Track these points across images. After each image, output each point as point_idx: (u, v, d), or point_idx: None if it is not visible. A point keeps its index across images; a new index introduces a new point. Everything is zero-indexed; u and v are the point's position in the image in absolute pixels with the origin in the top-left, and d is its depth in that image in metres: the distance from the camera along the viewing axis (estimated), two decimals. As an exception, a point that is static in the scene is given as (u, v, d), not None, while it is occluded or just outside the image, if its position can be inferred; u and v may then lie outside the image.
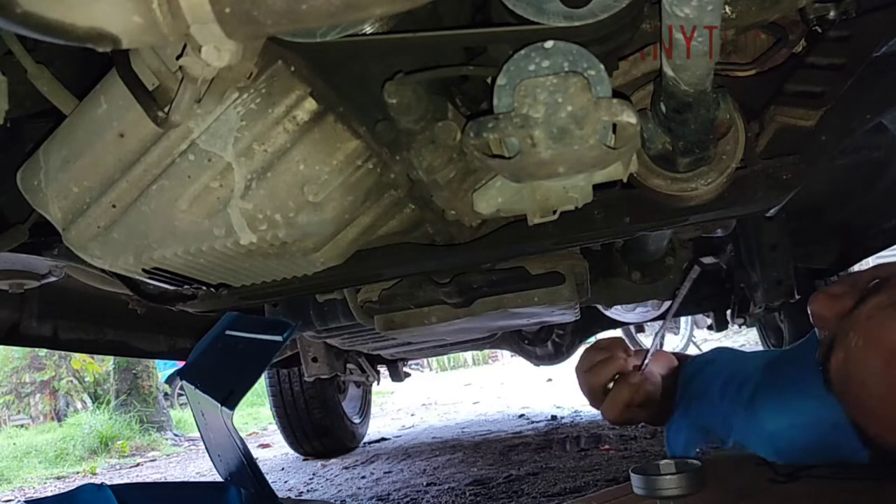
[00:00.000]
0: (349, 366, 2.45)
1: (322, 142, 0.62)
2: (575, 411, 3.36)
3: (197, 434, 2.63)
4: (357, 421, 3.21)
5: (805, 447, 0.82)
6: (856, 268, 2.19)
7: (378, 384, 3.18)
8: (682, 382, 1.00)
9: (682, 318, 4.76)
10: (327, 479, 2.47)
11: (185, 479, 3.17)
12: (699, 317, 4.05)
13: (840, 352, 0.65)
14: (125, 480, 3.32)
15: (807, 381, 0.74)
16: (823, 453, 0.81)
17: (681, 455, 0.93)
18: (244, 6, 0.42)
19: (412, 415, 4.74)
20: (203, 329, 1.06)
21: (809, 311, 0.72)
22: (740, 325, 3.15)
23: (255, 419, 5.37)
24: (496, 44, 0.59)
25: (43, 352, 6.50)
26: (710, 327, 3.01)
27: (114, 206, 0.65)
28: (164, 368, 5.84)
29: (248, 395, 0.98)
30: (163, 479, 3.31)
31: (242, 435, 1.09)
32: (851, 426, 0.68)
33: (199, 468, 3.44)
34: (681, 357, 1.08)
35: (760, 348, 2.82)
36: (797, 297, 1.48)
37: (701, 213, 0.70)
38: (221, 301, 0.86)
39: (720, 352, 1.02)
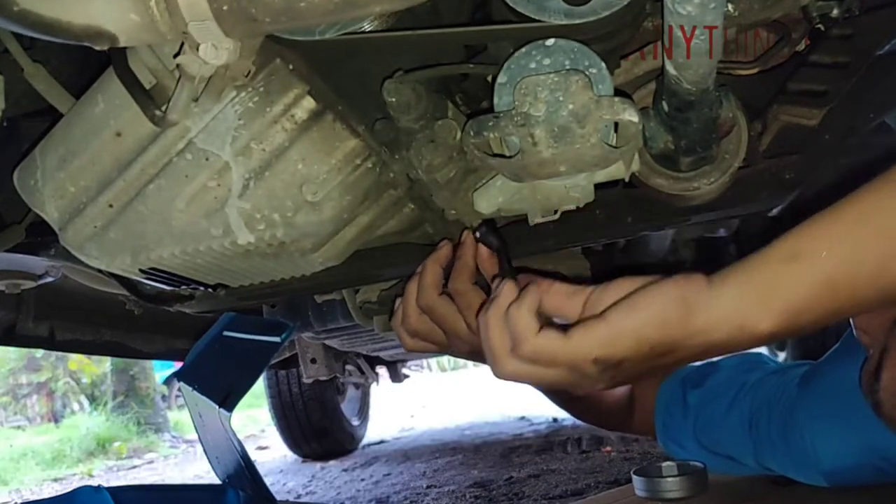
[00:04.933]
0: (348, 367, 2.44)
1: (321, 141, 0.61)
2: (574, 413, 3.35)
3: (195, 436, 2.63)
4: (356, 423, 3.21)
5: (860, 475, 0.76)
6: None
7: (377, 385, 3.19)
8: (667, 395, 0.92)
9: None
10: (326, 482, 2.46)
11: (183, 482, 3.16)
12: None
13: (893, 369, 0.58)
14: (122, 482, 3.31)
15: (859, 404, 0.64)
16: (878, 478, 0.75)
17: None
18: (242, 4, 0.42)
19: (412, 416, 4.74)
20: (201, 330, 1.05)
21: (852, 323, 0.64)
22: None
23: (254, 421, 5.36)
24: (497, 41, 0.58)
25: (39, 353, 6.48)
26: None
27: (111, 206, 0.64)
28: (161, 370, 5.83)
29: (247, 396, 0.97)
30: (160, 482, 3.31)
31: (240, 437, 1.08)
32: None
33: (197, 470, 3.43)
34: None
35: (763, 348, 2.81)
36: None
37: (703, 213, 0.69)
38: (219, 301, 0.85)
39: (721, 364, 0.93)
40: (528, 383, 0.58)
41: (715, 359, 0.96)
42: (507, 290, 0.57)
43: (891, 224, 0.48)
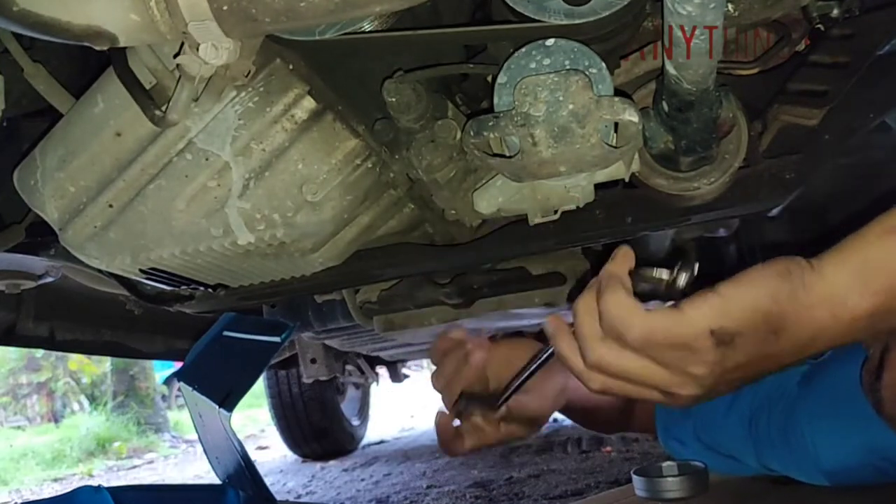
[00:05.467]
0: (348, 367, 2.44)
1: (321, 141, 0.61)
2: (574, 413, 3.35)
3: (195, 436, 2.64)
4: (356, 423, 3.21)
5: (861, 475, 0.75)
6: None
7: (377, 385, 3.18)
8: None
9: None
10: (326, 482, 2.46)
11: (183, 482, 3.16)
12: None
13: (894, 369, 0.58)
14: (122, 482, 3.31)
15: (860, 403, 0.63)
16: (879, 477, 0.75)
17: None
18: (242, 4, 0.42)
19: (412, 416, 4.73)
20: (201, 330, 1.05)
21: None
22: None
23: (254, 421, 5.36)
24: (497, 41, 0.58)
25: (40, 353, 6.48)
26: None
27: (111, 206, 0.64)
28: (161, 370, 5.83)
29: (247, 396, 0.97)
30: (160, 482, 3.31)
31: (240, 437, 1.08)
32: None
33: (197, 470, 3.43)
34: None
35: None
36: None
37: (703, 213, 0.69)
38: (219, 302, 0.85)
39: None
40: (623, 378, 0.53)
41: None
42: (595, 283, 0.54)
43: None
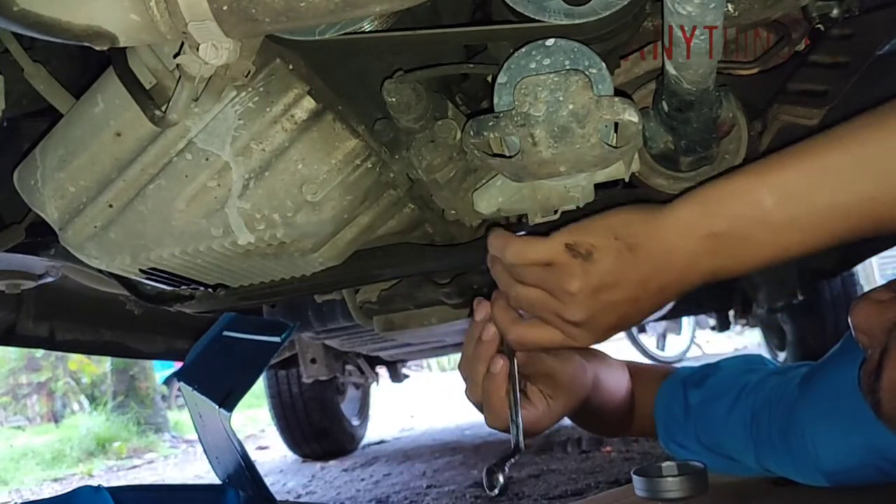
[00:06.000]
0: (348, 367, 2.44)
1: (321, 141, 0.61)
2: (574, 413, 3.35)
3: (195, 436, 2.64)
4: (356, 423, 3.20)
5: (861, 476, 0.75)
6: (859, 268, 2.17)
7: (377, 385, 3.18)
8: (668, 396, 0.91)
9: (685, 319, 4.74)
10: (326, 482, 2.46)
11: (183, 482, 3.16)
12: (702, 317, 4.05)
13: (893, 369, 0.57)
14: (122, 482, 3.31)
15: (860, 404, 0.63)
16: (879, 478, 0.74)
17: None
18: (242, 4, 0.42)
19: (412, 416, 4.74)
20: (201, 330, 1.05)
21: (851, 323, 0.62)
22: (743, 326, 3.13)
23: (254, 421, 5.36)
24: (497, 41, 0.58)
25: (39, 353, 6.48)
26: (713, 328, 3.01)
27: (111, 206, 0.64)
28: (161, 370, 5.83)
29: (247, 396, 0.97)
30: (160, 482, 3.31)
31: (240, 437, 1.08)
32: None
33: (197, 470, 3.43)
34: (637, 368, 0.95)
35: (763, 349, 2.81)
36: (800, 297, 1.47)
37: (703, 213, 0.69)
38: (219, 302, 0.85)
39: (721, 365, 0.92)
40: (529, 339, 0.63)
41: (715, 360, 0.96)
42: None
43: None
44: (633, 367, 0.96)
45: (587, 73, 0.53)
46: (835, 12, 0.61)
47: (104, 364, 5.94)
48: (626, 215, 0.57)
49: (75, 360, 6.45)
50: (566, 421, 0.96)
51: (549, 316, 0.60)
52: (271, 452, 3.61)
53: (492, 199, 0.66)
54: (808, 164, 0.53)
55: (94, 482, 1.79)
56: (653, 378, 0.95)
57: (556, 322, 0.60)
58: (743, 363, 0.93)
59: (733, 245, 0.54)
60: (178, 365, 1.46)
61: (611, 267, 0.56)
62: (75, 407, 7.07)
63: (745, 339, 6.22)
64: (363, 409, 3.33)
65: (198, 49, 0.45)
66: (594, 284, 0.56)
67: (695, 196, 0.55)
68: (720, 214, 0.54)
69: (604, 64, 0.54)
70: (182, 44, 0.46)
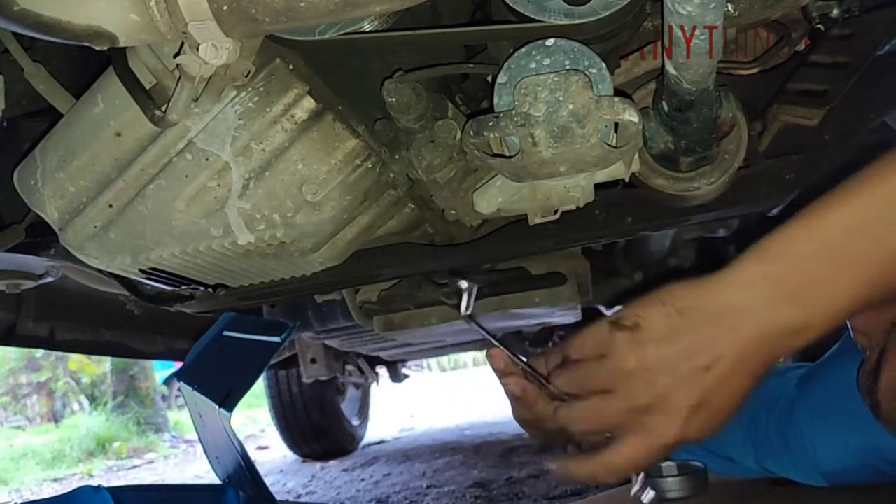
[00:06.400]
0: (348, 367, 2.45)
1: (321, 141, 0.61)
2: (574, 413, 3.34)
3: (195, 436, 2.63)
4: (356, 423, 3.20)
5: (860, 476, 0.75)
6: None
7: (377, 385, 3.18)
8: None
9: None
10: (326, 482, 2.46)
11: (183, 482, 3.16)
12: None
13: (892, 370, 0.57)
14: (122, 482, 3.31)
15: (858, 405, 0.63)
16: (877, 478, 0.75)
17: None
18: (242, 4, 0.42)
19: (412, 416, 4.74)
20: (201, 330, 1.05)
21: (849, 324, 0.62)
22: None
23: (254, 421, 5.36)
24: (497, 42, 0.58)
25: (39, 353, 6.48)
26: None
27: (111, 206, 0.64)
28: (161, 370, 5.83)
29: (247, 396, 0.97)
30: (160, 482, 3.31)
31: (240, 437, 1.08)
32: None
33: (197, 470, 3.43)
34: None
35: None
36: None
37: (703, 213, 0.69)
38: (219, 302, 0.85)
39: None
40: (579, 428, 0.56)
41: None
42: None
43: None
44: None
45: (587, 73, 0.53)
46: (835, 12, 0.61)
47: (104, 364, 5.94)
48: (674, 286, 0.52)
49: (75, 360, 6.45)
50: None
51: (629, 426, 0.51)
52: (271, 452, 3.61)
53: (492, 199, 0.66)
54: (873, 192, 0.48)
55: (94, 482, 1.78)
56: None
57: (631, 424, 0.51)
58: None
59: (806, 291, 0.47)
60: (178, 365, 1.46)
61: (661, 330, 0.50)
62: (75, 407, 7.06)
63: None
64: (363, 409, 3.33)
65: (198, 49, 0.45)
66: (649, 355, 0.50)
67: (751, 250, 0.50)
68: (779, 258, 0.48)
69: (604, 64, 0.54)
70: (182, 44, 0.46)
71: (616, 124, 0.55)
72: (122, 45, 0.44)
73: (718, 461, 0.87)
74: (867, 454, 0.73)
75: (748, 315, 0.48)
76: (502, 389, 0.62)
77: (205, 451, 1.10)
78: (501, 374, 0.61)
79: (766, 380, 0.87)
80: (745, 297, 0.48)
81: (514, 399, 0.60)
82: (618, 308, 0.54)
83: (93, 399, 6.44)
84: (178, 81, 0.52)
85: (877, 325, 0.59)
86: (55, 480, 3.86)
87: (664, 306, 0.50)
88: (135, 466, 4.13)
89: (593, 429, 0.55)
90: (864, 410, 0.61)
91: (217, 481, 1.06)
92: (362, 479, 2.40)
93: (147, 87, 0.56)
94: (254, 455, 3.24)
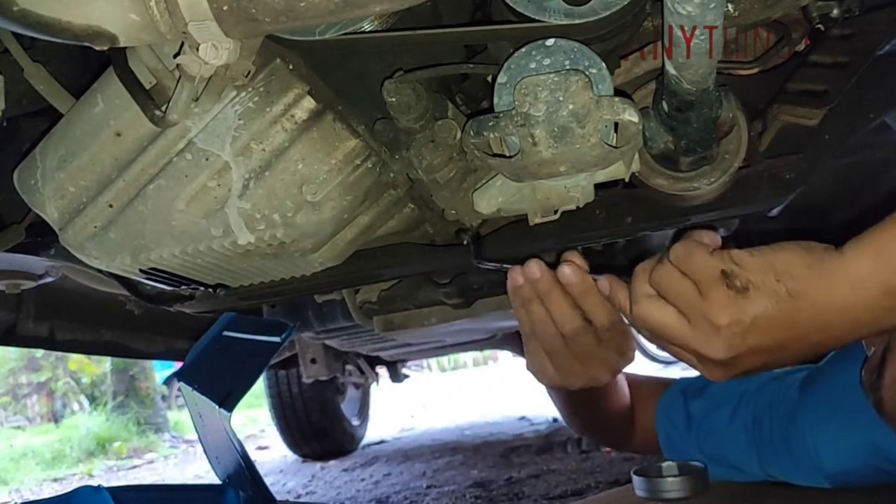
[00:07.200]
0: (348, 367, 2.45)
1: (321, 141, 0.61)
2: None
3: (195, 436, 2.63)
4: (356, 423, 3.21)
5: (863, 476, 0.75)
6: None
7: (377, 385, 3.18)
8: (669, 408, 0.92)
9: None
10: (326, 482, 2.47)
11: (183, 482, 3.16)
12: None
13: (895, 368, 0.57)
14: (122, 482, 3.31)
15: (861, 405, 0.64)
16: (881, 479, 0.75)
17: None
18: (242, 4, 0.42)
19: (412, 416, 4.74)
20: (201, 330, 1.05)
21: None
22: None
23: (254, 421, 5.36)
24: (497, 41, 0.58)
25: (39, 353, 6.48)
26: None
27: (111, 206, 0.64)
28: (161, 370, 5.83)
29: (247, 396, 0.97)
30: (160, 482, 3.31)
31: (240, 437, 1.08)
32: None
33: (197, 470, 3.43)
34: (636, 381, 0.95)
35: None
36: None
37: (703, 213, 0.69)
38: (219, 302, 0.85)
39: None
40: (660, 333, 0.57)
41: None
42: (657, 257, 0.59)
43: None
44: (631, 379, 0.96)
45: (587, 73, 0.53)
46: (835, 12, 0.61)
47: (104, 364, 5.94)
48: (792, 255, 0.51)
49: (75, 360, 6.45)
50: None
51: (687, 347, 0.55)
52: (271, 452, 3.61)
53: (492, 199, 0.66)
54: None
55: (94, 482, 1.78)
56: (652, 391, 0.95)
57: (689, 358, 0.55)
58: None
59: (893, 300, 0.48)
60: (178, 365, 1.46)
61: (767, 311, 0.51)
62: (75, 407, 7.07)
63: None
64: (363, 409, 3.34)
65: (198, 49, 0.45)
66: (745, 324, 0.51)
67: (869, 244, 0.50)
68: (884, 266, 0.48)
69: (604, 64, 0.54)
70: (182, 44, 0.46)
71: (616, 124, 0.55)
72: (122, 45, 0.44)
73: (724, 469, 0.87)
74: (870, 454, 0.73)
75: (851, 316, 0.50)
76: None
77: (205, 451, 1.10)
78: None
79: (769, 383, 0.87)
80: (854, 298, 0.49)
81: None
82: (733, 250, 0.53)
83: (93, 399, 6.44)
84: (178, 81, 0.52)
85: None
86: (55, 480, 3.87)
87: (778, 282, 0.50)
88: (135, 466, 4.13)
89: (656, 334, 0.57)
90: (867, 410, 0.62)
91: (217, 481, 1.06)
92: (362, 479, 2.40)
93: (147, 87, 0.56)
94: (254, 455, 3.23)
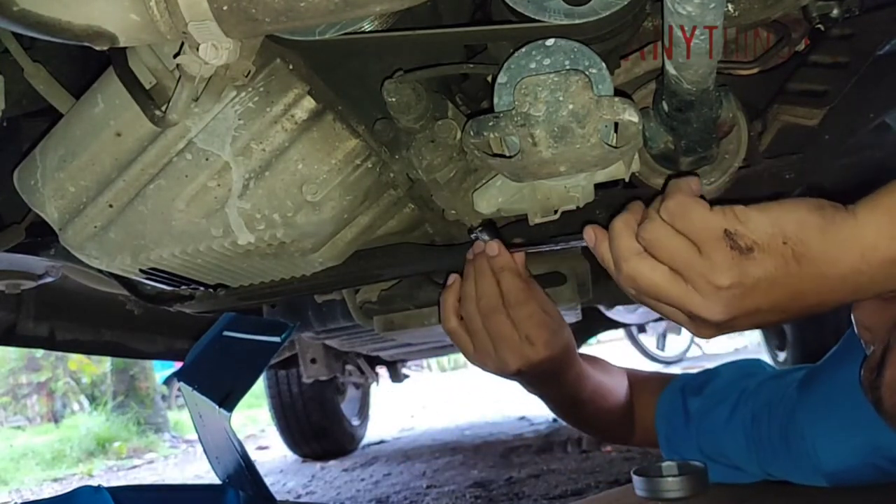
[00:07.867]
0: (348, 367, 2.44)
1: (321, 141, 0.61)
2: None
3: (195, 436, 2.64)
4: (356, 423, 3.21)
5: (862, 476, 0.75)
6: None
7: (377, 385, 3.18)
8: (668, 405, 0.92)
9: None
10: (326, 482, 2.46)
11: (183, 482, 3.16)
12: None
13: (895, 366, 0.57)
14: (122, 482, 3.31)
15: (860, 404, 0.63)
16: (880, 477, 0.74)
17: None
18: (242, 4, 0.42)
19: (412, 416, 4.73)
20: (201, 330, 1.05)
21: (854, 319, 0.62)
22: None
23: (254, 421, 5.36)
24: (497, 41, 0.58)
25: (39, 353, 6.48)
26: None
27: (111, 206, 0.64)
28: (161, 370, 5.83)
29: (247, 396, 0.97)
30: (160, 482, 3.31)
31: (240, 437, 1.08)
32: None
33: (197, 470, 3.43)
34: (636, 376, 0.95)
35: (762, 349, 2.81)
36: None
37: (703, 213, 0.69)
38: (219, 302, 0.85)
39: (720, 371, 0.93)
40: (652, 292, 0.53)
41: (712, 366, 0.96)
42: (633, 205, 0.56)
43: None
44: (632, 375, 0.96)
45: (587, 73, 0.53)
46: (835, 12, 0.61)
47: (104, 364, 5.94)
48: (802, 215, 0.48)
49: (75, 360, 6.45)
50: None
51: (680, 307, 0.52)
52: (271, 452, 3.61)
53: (492, 199, 0.66)
54: None
55: (94, 482, 1.78)
56: (652, 387, 0.95)
57: (686, 301, 0.51)
58: (741, 368, 0.93)
59: None
60: (178, 365, 1.46)
61: (770, 273, 0.48)
62: (75, 407, 7.06)
63: (745, 339, 6.21)
64: (363, 409, 3.33)
65: (198, 49, 0.45)
66: (746, 286, 0.49)
67: (882, 208, 0.47)
68: None
69: (604, 64, 0.54)
70: (182, 44, 0.46)
71: (616, 124, 0.55)
72: (122, 45, 0.44)
73: (723, 469, 0.87)
74: (869, 453, 0.73)
75: (855, 281, 0.48)
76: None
77: (205, 451, 1.10)
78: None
79: (768, 382, 0.87)
80: (862, 265, 0.47)
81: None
82: (737, 206, 0.50)
83: (93, 399, 6.44)
84: (178, 81, 0.52)
85: (881, 319, 0.59)
86: (55, 480, 3.86)
87: (785, 245, 0.48)
88: (135, 466, 4.12)
89: (646, 293, 0.54)
90: (866, 409, 0.61)
91: (217, 481, 1.06)
92: (362, 479, 2.40)
93: (147, 87, 0.56)
94: (254, 455, 3.23)
